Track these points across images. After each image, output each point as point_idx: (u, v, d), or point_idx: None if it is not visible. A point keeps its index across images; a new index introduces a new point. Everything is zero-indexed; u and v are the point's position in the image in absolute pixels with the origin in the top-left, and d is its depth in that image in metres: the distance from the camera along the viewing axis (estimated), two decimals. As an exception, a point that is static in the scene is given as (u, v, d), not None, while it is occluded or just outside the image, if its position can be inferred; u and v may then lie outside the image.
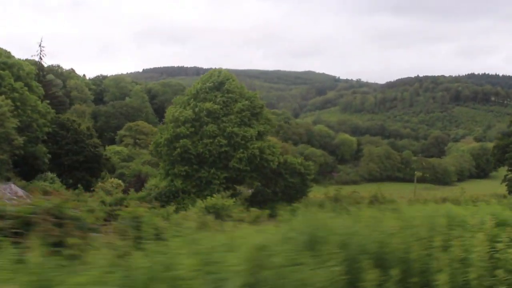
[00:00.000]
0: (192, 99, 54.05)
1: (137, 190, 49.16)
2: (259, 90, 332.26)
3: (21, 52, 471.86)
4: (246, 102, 54.10)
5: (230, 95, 54.08)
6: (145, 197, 44.89)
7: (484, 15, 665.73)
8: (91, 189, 49.89)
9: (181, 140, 50.23)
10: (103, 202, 28.43)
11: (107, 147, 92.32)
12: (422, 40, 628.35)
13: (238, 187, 53.30)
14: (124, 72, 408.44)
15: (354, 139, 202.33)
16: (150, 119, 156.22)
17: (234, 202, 29.11)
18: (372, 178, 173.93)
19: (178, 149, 50.05)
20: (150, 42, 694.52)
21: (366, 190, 25.58)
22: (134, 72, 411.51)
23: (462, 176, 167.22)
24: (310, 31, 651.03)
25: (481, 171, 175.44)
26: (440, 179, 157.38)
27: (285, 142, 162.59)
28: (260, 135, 54.04)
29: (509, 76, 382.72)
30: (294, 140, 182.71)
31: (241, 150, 51.22)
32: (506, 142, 64.29)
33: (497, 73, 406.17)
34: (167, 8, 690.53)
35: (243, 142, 51.52)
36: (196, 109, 52.18)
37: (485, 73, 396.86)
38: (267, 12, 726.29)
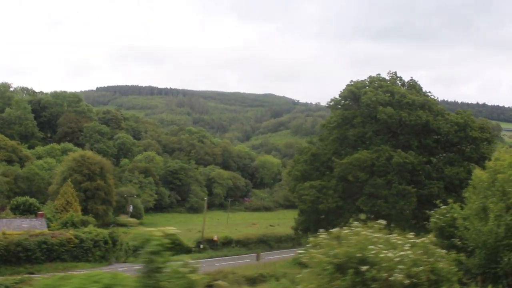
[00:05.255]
0: None
1: None
2: (211, 111, 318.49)
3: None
4: None
5: None
6: None
7: (462, 44, 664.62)
8: None
9: None
10: None
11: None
12: (399, 67, 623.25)
13: None
14: (79, 90, 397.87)
15: (278, 161, 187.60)
16: (31, 132, 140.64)
17: None
18: (290, 205, 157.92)
19: None
20: (124, 62, 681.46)
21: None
22: (88, 90, 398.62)
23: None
24: (287, 55, 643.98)
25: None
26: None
27: (177, 159, 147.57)
28: None
29: (482, 104, 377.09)
30: (206, 160, 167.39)
31: None
32: None
33: (470, 102, 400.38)
34: (145, 29, 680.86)
35: None
36: None
37: (455, 101, 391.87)
38: (246, 36, 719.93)
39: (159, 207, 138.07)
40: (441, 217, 19.15)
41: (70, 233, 43.23)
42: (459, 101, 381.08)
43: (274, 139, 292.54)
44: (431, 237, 10.49)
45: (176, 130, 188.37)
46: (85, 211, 73.87)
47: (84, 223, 62.15)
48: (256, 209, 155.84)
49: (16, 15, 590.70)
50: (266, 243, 61.43)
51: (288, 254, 43.93)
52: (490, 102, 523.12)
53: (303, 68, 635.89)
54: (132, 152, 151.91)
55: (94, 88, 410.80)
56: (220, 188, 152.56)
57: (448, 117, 42.47)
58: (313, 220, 38.14)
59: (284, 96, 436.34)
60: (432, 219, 19.24)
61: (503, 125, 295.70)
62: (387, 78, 45.59)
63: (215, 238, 53.32)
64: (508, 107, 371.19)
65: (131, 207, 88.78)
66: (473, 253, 17.48)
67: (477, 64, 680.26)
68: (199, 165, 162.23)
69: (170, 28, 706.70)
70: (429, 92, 45.85)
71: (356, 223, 10.73)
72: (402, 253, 9.93)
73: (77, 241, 42.36)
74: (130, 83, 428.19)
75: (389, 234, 10.34)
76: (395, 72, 46.21)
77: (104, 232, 46.35)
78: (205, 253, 54.97)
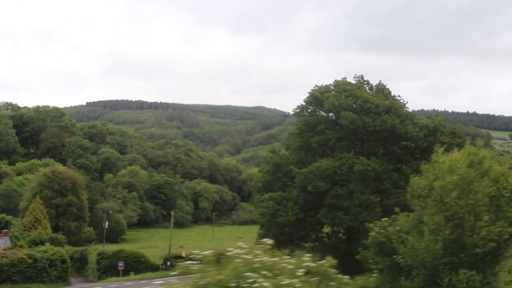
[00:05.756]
0: None
1: None
2: (201, 124, 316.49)
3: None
4: None
5: None
6: None
7: (453, 54, 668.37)
8: None
9: None
10: None
11: None
12: (391, 78, 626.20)
13: None
14: (69, 106, 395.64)
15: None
16: (12, 148, 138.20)
17: None
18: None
19: None
20: (115, 76, 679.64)
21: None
22: (78, 106, 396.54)
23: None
24: (278, 67, 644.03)
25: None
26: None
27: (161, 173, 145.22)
28: None
29: (473, 113, 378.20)
30: (192, 174, 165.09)
31: None
32: None
33: (461, 111, 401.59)
34: (136, 42, 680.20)
35: None
36: None
37: (445, 110, 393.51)
38: (237, 48, 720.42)
39: (143, 223, 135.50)
40: (382, 230, 16.97)
41: (23, 252, 40.89)
42: (450, 111, 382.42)
43: (264, 152, 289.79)
44: (330, 259, 8.56)
45: (162, 144, 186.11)
46: (56, 228, 71.36)
47: (53, 241, 59.75)
48: (244, 223, 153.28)
49: (3, 30, 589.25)
50: (239, 258, 58.96)
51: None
52: (481, 111, 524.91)
53: (294, 80, 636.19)
54: (117, 167, 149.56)
55: (84, 103, 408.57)
56: (206, 202, 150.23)
57: (418, 122, 40.66)
58: (273, 235, 35.90)
59: (275, 109, 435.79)
60: (371, 233, 17.06)
61: (493, 133, 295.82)
62: (354, 82, 43.80)
63: (184, 254, 51.05)
64: (498, 115, 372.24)
65: (107, 224, 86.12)
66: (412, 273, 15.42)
67: (468, 74, 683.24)
68: (185, 179, 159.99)
69: (161, 42, 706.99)
70: (399, 96, 44.11)
71: (240, 244, 8.66)
72: (287, 281, 7.81)
73: (30, 261, 40.00)
74: (120, 98, 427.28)
75: (286, 256, 8.40)
76: (362, 76, 44.56)
77: (61, 251, 43.98)
78: (172, 270, 52.15)
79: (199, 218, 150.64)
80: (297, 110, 43.80)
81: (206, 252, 8.31)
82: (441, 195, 14.75)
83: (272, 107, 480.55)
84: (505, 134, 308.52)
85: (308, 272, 8.39)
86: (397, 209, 17.38)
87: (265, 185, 42.33)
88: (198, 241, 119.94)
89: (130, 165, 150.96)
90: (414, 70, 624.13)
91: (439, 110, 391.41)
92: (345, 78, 43.97)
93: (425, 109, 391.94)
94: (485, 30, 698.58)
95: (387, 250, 16.35)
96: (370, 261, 16.83)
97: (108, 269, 48.92)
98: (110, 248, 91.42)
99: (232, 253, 8.34)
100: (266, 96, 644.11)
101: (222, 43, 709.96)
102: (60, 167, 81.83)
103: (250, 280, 7.55)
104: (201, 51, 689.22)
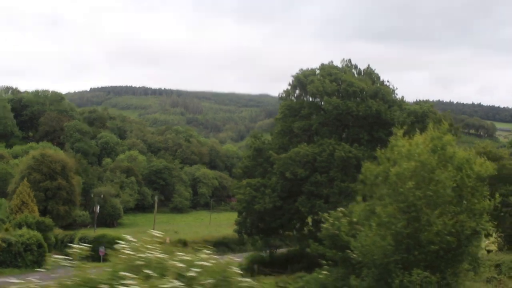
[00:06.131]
0: None
1: None
2: (205, 111, 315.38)
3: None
4: None
5: None
6: None
7: (460, 45, 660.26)
8: None
9: None
10: None
11: None
12: (397, 68, 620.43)
13: None
14: (73, 91, 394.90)
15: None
16: (10, 131, 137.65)
17: None
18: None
19: None
20: (121, 62, 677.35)
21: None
22: (82, 91, 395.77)
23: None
24: (284, 56, 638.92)
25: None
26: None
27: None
28: None
29: (478, 104, 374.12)
30: (192, 160, 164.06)
31: None
32: None
33: (466, 102, 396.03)
34: (143, 29, 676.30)
35: None
36: None
37: (450, 101, 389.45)
38: (244, 36, 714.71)
39: (141, 207, 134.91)
40: (336, 222, 15.34)
41: (-3, 236, 39.87)
42: (455, 102, 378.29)
43: (268, 139, 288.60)
44: (231, 257, 6.88)
45: (162, 129, 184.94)
46: (45, 211, 70.46)
47: (40, 224, 58.90)
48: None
49: (9, 16, 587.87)
50: (226, 245, 57.78)
51: (237, 259, 40.50)
52: (486, 102, 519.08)
53: (300, 68, 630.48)
54: (116, 151, 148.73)
55: (88, 89, 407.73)
56: (205, 188, 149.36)
57: (406, 108, 38.88)
58: (250, 223, 34.36)
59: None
60: (324, 225, 15.44)
61: (498, 125, 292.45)
62: (341, 65, 41.97)
63: (167, 241, 49.86)
64: (504, 107, 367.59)
65: (98, 208, 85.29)
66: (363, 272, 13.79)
67: (474, 65, 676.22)
68: (185, 164, 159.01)
69: (166, 28, 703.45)
70: (388, 81, 42.22)
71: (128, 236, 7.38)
72: (168, 285, 6.19)
73: (4, 245, 38.94)
74: (124, 84, 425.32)
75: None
76: (349, 59, 42.67)
77: (38, 235, 42.84)
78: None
79: (198, 204, 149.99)
80: (283, 95, 42.18)
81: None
82: (397, 183, 13.11)
83: (277, 95, 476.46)
84: (510, 126, 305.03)
85: (202, 272, 6.84)
86: (359, 199, 15.82)
87: (245, 171, 40.85)
88: (196, 227, 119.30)
89: (129, 150, 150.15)
90: (421, 61, 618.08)
91: (444, 101, 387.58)
92: (331, 61, 42.20)
93: (430, 99, 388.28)
94: (492, 22, 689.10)
95: (340, 244, 14.78)
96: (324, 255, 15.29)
97: (89, 254, 47.76)
98: (104, 232, 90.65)
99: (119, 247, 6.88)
100: (271, 83, 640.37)
101: (229, 31, 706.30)
102: (49, 150, 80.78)
103: (127, 281, 6.07)
104: (207, 38, 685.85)
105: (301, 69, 41.61)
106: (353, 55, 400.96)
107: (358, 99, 37.96)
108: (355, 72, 42.38)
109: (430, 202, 12.84)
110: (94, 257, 51.81)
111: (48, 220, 62.95)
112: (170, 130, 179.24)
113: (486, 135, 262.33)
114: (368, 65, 43.16)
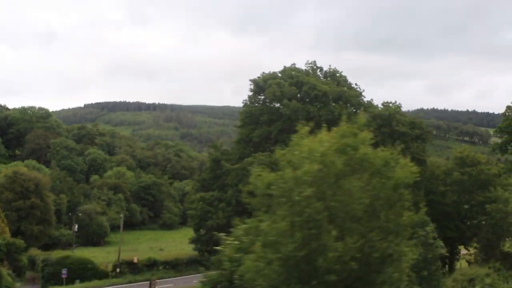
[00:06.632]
0: None
1: None
2: (199, 125, 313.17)
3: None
4: None
5: None
6: None
7: (455, 52, 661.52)
8: None
9: None
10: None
11: None
12: (390, 77, 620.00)
13: None
14: (66, 107, 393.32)
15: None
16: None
17: None
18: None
19: None
20: (114, 77, 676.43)
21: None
22: (76, 108, 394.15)
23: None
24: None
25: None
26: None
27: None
28: None
29: (473, 111, 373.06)
30: (183, 175, 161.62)
31: None
32: None
33: (460, 109, 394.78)
34: (137, 43, 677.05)
35: None
36: None
37: (445, 109, 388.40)
38: (238, 48, 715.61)
39: (129, 224, 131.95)
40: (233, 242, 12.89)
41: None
42: (449, 109, 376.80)
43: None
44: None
45: (152, 144, 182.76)
46: (18, 232, 67.90)
47: (10, 246, 56.56)
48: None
49: (2, 32, 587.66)
50: (200, 263, 55.09)
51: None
52: (481, 109, 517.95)
53: (262, 72, 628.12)
54: (105, 168, 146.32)
55: (82, 105, 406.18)
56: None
57: (373, 111, 36.84)
58: (204, 240, 31.81)
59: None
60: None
61: (493, 131, 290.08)
62: (305, 68, 40.01)
63: (135, 260, 47.44)
64: (499, 113, 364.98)
65: (76, 227, 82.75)
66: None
67: (469, 72, 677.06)
68: (175, 179, 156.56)
69: (160, 42, 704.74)
70: (356, 84, 40.17)
71: None
72: None
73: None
74: (118, 99, 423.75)
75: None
76: (315, 61, 40.71)
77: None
78: (123, 277, 48.76)
79: (187, 220, 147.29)
80: (247, 102, 40.05)
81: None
82: (293, 190, 10.63)
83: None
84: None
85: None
86: (261, 213, 13.19)
87: (203, 184, 38.46)
88: (183, 244, 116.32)
89: (118, 166, 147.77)
90: (415, 69, 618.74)
91: (439, 108, 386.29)
92: (294, 64, 40.16)
93: (424, 108, 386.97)
94: (487, 28, 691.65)
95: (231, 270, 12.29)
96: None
97: (52, 276, 45.36)
98: (86, 252, 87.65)
99: None
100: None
101: (223, 44, 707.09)
102: (22, 168, 78.43)
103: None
104: (202, 51, 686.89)
105: (263, 72, 39.62)
106: (348, 65, 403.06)
107: (319, 102, 35.89)
108: (320, 75, 40.43)
109: (334, 216, 10.36)
110: (58, 279, 49.49)
111: (19, 241, 60.51)
112: (160, 144, 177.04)
113: (480, 141, 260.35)
114: (329, 65, 41.12)
